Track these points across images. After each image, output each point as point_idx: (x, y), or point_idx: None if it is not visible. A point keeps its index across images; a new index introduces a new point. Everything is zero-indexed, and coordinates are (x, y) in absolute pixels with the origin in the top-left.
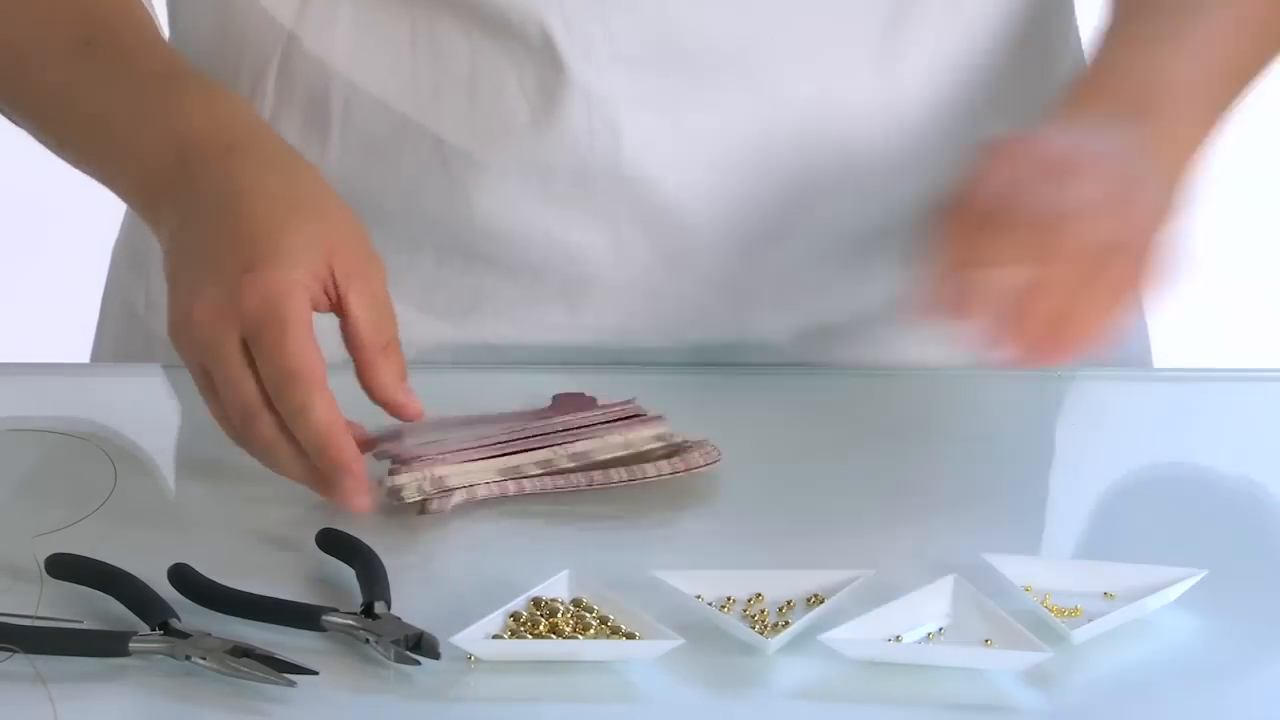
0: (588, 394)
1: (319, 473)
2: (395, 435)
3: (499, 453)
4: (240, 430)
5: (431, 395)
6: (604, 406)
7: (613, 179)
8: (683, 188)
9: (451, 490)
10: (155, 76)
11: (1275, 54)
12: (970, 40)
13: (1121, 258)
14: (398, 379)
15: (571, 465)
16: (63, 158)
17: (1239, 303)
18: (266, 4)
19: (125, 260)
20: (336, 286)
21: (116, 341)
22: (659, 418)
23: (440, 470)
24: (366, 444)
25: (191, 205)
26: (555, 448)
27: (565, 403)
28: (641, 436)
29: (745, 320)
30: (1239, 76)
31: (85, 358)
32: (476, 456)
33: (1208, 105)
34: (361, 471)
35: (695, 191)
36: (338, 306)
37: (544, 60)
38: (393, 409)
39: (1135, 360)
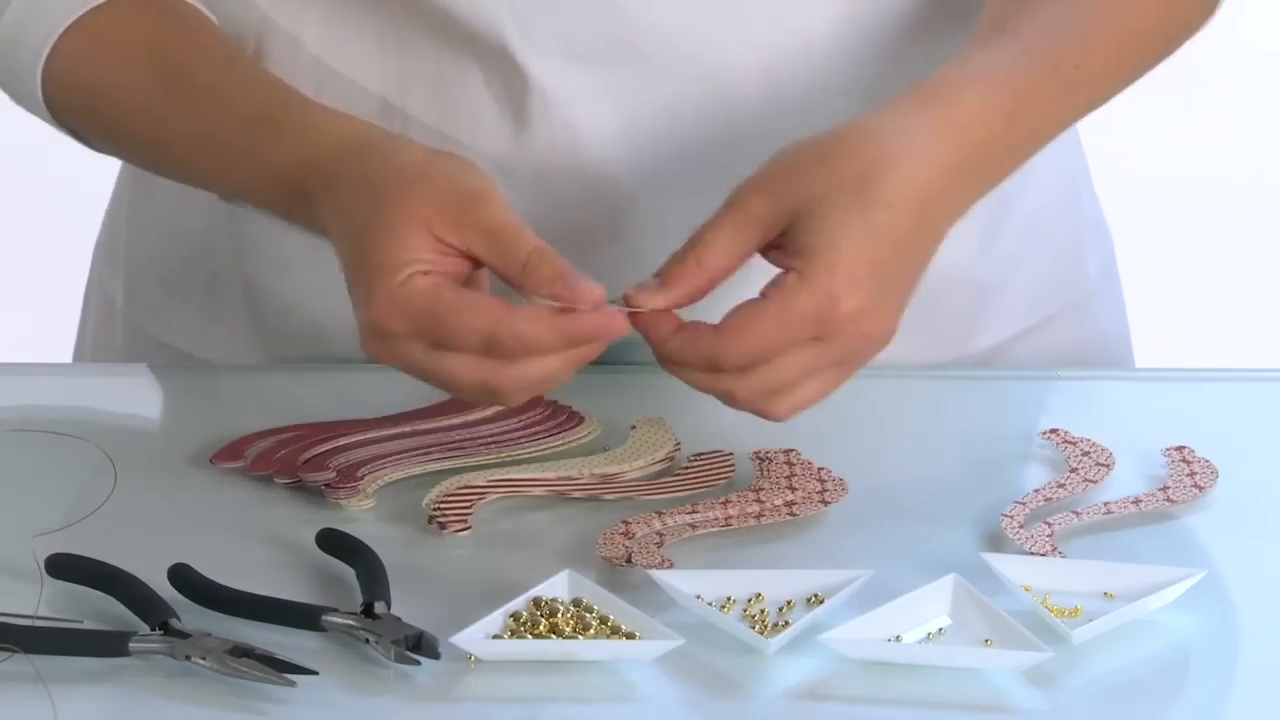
0: None
1: (581, 352)
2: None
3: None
4: (493, 398)
5: (397, 390)
6: (527, 405)
7: (574, 176)
8: (642, 183)
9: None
10: (237, 119)
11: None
12: (938, 39)
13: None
14: (548, 282)
15: (595, 484)
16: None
17: (1234, 303)
18: (236, 5)
19: (104, 255)
20: (455, 245)
21: (96, 336)
22: (582, 416)
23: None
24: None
25: (324, 235)
26: (579, 467)
27: None
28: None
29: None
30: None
31: (67, 358)
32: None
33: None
34: (603, 321)
35: (655, 186)
36: (470, 258)
37: (503, 61)
38: (563, 304)
39: (1116, 362)
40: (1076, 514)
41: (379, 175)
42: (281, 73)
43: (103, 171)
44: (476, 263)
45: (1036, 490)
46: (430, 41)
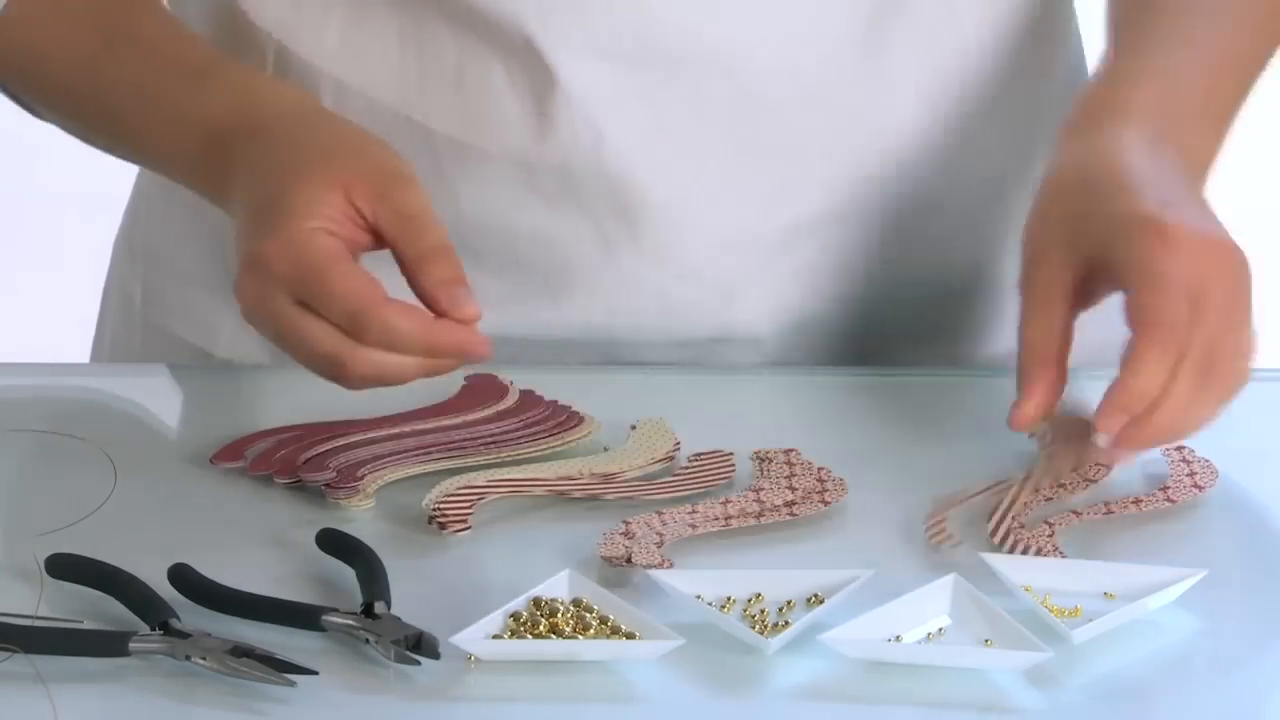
0: (502, 378)
1: (436, 362)
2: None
3: (447, 455)
4: (337, 375)
5: (398, 390)
6: (527, 405)
7: (596, 175)
8: (665, 184)
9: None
10: (178, 72)
11: (1270, 51)
12: (961, 40)
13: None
14: (439, 282)
15: (595, 484)
16: (95, 147)
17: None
18: (261, 5)
19: (124, 252)
20: (366, 217)
21: (114, 333)
22: (582, 416)
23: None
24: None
25: (227, 193)
26: (580, 465)
27: (475, 387)
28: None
29: (728, 314)
30: (1242, 76)
31: (85, 356)
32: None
33: (1220, 110)
34: (470, 339)
35: (677, 188)
36: (374, 235)
37: (528, 59)
38: (438, 312)
39: None
40: (1076, 514)
41: (310, 135)
42: (302, 70)
43: (123, 169)
44: (377, 243)
45: (1037, 490)
46: (453, 36)
